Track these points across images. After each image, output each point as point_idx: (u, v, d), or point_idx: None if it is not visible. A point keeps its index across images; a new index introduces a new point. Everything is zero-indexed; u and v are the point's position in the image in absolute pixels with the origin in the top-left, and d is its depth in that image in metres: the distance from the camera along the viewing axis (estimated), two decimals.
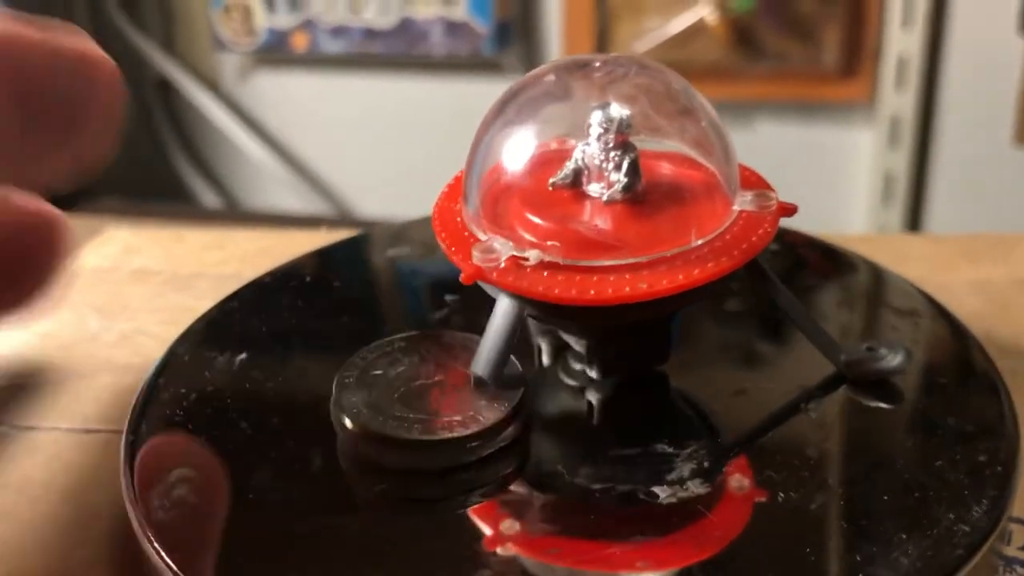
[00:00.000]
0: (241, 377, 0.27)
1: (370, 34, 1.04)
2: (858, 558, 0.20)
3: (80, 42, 0.21)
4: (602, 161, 0.23)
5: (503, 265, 0.23)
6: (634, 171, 0.23)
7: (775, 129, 0.98)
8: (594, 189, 0.24)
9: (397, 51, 1.04)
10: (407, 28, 1.03)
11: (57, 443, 0.28)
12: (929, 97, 0.94)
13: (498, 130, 0.24)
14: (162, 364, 0.27)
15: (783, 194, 0.24)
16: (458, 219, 0.25)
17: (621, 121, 0.23)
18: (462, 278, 0.23)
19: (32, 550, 0.24)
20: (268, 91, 1.15)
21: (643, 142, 0.24)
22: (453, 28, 1.01)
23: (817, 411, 0.25)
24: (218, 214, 1.15)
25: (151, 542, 0.21)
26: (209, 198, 1.20)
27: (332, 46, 1.06)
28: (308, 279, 0.32)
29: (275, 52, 1.10)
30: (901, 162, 0.95)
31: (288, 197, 1.16)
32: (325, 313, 0.30)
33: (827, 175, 0.99)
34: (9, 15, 0.19)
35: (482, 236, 0.24)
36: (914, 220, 0.98)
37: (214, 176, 1.20)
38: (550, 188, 0.24)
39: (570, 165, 0.24)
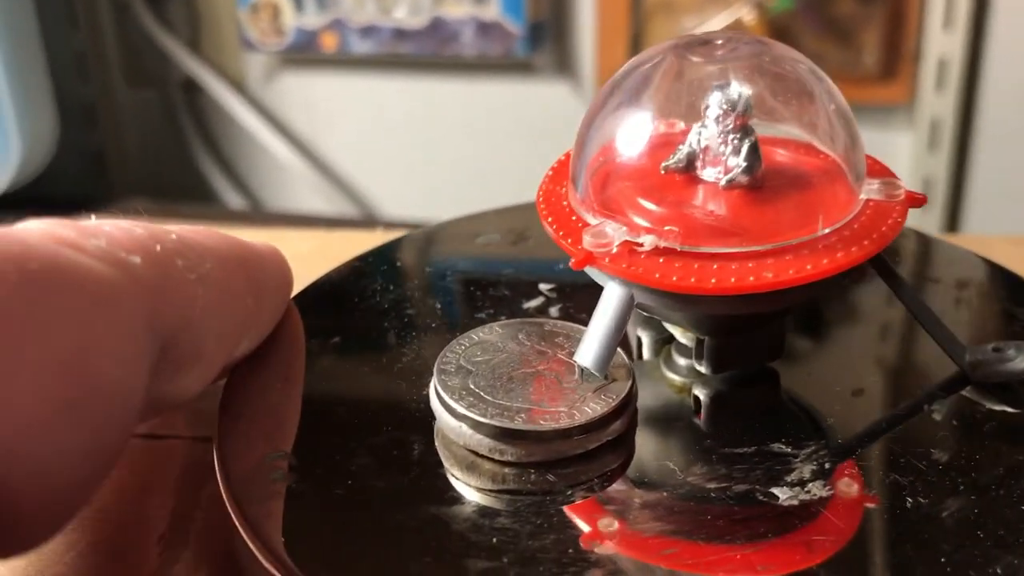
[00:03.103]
0: (335, 361, 0.26)
1: (400, 34, 1.03)
2: (999, 570, 0.19)
3: (268, 245, 0.26)
4: (720, 144, 0.22)
5: (615, 251, 0.21)
6: (755, 154, 0.22)
7: None
8: (709, 174, 0.23)
9: (427, 51, 1.03)
10: (438, 28, 1.02)
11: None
12: (969, 99, 0.92)
13: (610, 111, 0.23)
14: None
15: None
16: (564, 203, 0.23)
17: (742, 102, 0.22)
18: (572, 264, 0.22)
19: (118, 556, 0.23)
20: (295, 92, 1.14)
21: (759, 126, 0.23)
22: (485, 28, 1.00)
23: (940, 413, 0.23)
24: (246, 216, 1.14)
25: (253, 538, 0.20)
26: (233, 199, 1.19)
27: (361, 46, 1.05)
28: (398, 263, 0.32)
29: (303, 52, 1.08)
30: (940, 165, 0.93)
31: (314, 199, 1.15)
32: (419, 299, 0.29)
33: None
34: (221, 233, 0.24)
35: (592, 220, 0.22)
36: (952, 224, 0.96)
37: (239, 177, 1.19)
38: (662, 172, 0.23)
39: (684, 148, 0.23)
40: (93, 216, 0.20)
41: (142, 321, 0.18)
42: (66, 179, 1.14)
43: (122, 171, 1.20)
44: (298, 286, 0.31)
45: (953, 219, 0.96)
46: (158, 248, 0.20)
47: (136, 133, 1.19)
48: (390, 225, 1.07)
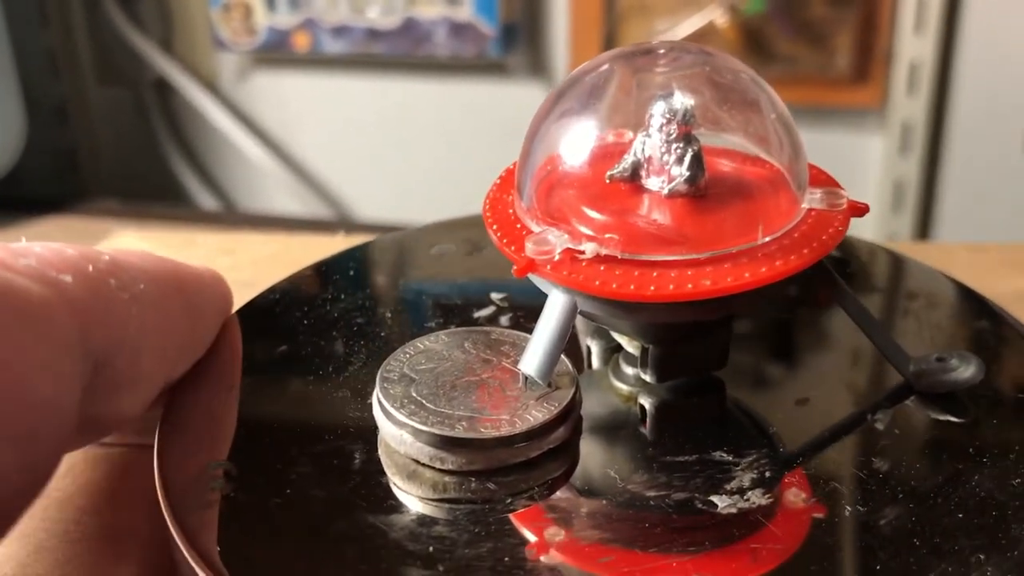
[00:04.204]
0: (281, 371, 0.26)
1: (373, 34, 1.03)
2: None
3: (207, 268, 0.26)
4: (663, 153, 0.22)
5: (557, 258, 0.21)
6: (697, 164, 0.22)
7: None
8: (653, 183, 0.23)
9: (400, 52, 1.03)
10: (411, 28, 1.01)
11: (72, 460, 0.27)
12: (941, 103, 0.93)
13: (554, 120, 0.23)
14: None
15: None
16: (510, 211, 0.23)
17: (684, 112, 0.22)
18: (514, 271, 0.22)
19: (67, 569, 0.23)
20: (268, 92, 1.13)
21: (703, 136, 0.23)
22: (458, 29, 1.00)
23: (883, 422, 0.23)
24: (217, 216, 1.14)
25: (189, 548, 0.20)
26: (206, 200, 1.18)
27: (334, 46, 1.05)
28: (351, 273, 0.32)
29: (275, 52, 1.08)
30: (911, 169, 0.94)
31: (287, 200, 1.15)
32: (366, 308, 0.29)
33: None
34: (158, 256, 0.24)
35: (536, 228, 0.22)
36: (923, 227, 0.97)
37: (211, 178, 1.19)
38: (607, 181, 0.23)
39: (629, 158, 0.23)
40: (24, 239, 0.20)
41: (74, 339, 0.18)
42: (36, 178, 1.13)
43: (93, 170, 1.19)
44: (255, 290, 0.30)
45: (924, 222, 0.97)
46: (90, 268, 0.20)
47: (107, 132, 1.18)
48: (363, 227, 1.07)
